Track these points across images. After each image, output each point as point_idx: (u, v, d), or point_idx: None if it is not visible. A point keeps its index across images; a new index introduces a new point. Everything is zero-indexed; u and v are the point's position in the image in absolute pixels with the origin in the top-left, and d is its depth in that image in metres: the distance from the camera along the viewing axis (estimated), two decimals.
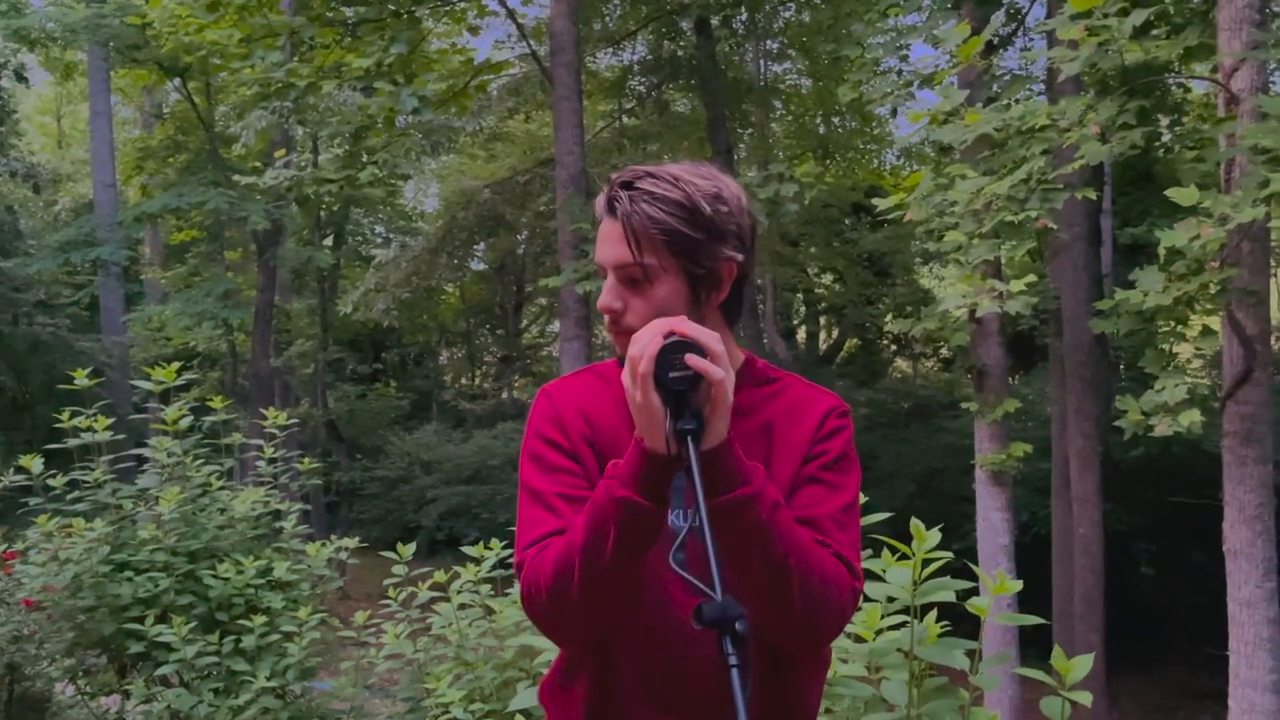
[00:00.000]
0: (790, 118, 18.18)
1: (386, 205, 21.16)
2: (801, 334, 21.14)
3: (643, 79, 13.92)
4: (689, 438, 1.41)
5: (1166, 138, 9.14)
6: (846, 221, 19.41)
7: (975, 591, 2.50)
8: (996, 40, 7.77)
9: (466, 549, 4.83)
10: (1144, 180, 17.50)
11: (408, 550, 4.83)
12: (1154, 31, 6.41)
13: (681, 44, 13.04)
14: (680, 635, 1.58)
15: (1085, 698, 2.19)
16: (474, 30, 9.96)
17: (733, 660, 1.25)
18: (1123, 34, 5.44)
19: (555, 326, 28.80)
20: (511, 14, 10.56)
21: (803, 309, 20.59)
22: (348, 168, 9.55)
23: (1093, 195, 6.06)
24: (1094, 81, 6.90)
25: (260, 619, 5.03)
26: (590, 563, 1.48)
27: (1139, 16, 5.41)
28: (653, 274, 1.56)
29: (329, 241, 20.38)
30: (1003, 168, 5.82)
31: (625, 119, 14.27)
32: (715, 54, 13.11)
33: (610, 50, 14.02)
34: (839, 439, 1.70)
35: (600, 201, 1.61)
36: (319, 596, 5.64)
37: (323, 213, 18.13)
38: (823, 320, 21.17)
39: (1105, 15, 5.52)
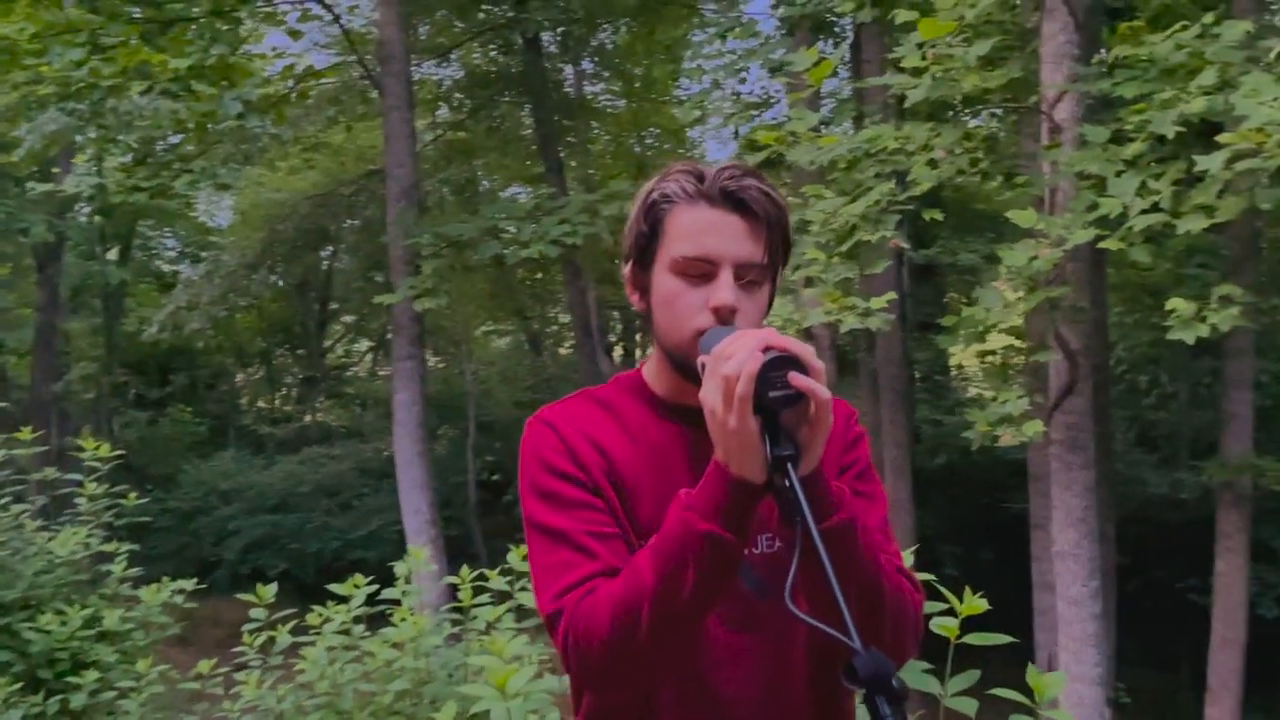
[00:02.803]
0: (607, 137, 18.30)
1: (182, 219, 19.83)
2: (619, 351, 21.29)
3: (471, 93, 13.64)
4: (789, 464, 1.29)
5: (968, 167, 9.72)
6: None
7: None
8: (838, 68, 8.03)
9: (334, 587, 4.49)
10: (932, 204, 18.61)
11: (267, 592, 4.45)
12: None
13: (514, 59, 12.87)
14: (723, 674, 1.48)
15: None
16: (295, 34, 9.45)
17: None
18: (966, 63, 5.70)
19: (361, 345, 27.82)
20: (338, 19, 10.09)
21: (619, 326, 20.75)
22: (154, 177, 8.84)
23: (939, 216, 6.33)
24: (926, 108, 7.23)
25: (91, 675, 4.53)
26: (664, 605, 1.34)
27: (982, 47, 5.69)
28: (765, 277, 1.48)
29: (113, 255, 18.91)
30: (857, 188, 5.98)
31: (454, 132, 13.93)
32: (545, 70, 13.02)
33: (436, 60, 13.68)
34: (864, 445, 1.66)
35: (712, 189, 1.46)
36: (153, 645, 5.14)
37: (105, 225, 16.82)
38: (638, 338, 21.40)
39: (950, 44, 5.78)
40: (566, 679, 3.49)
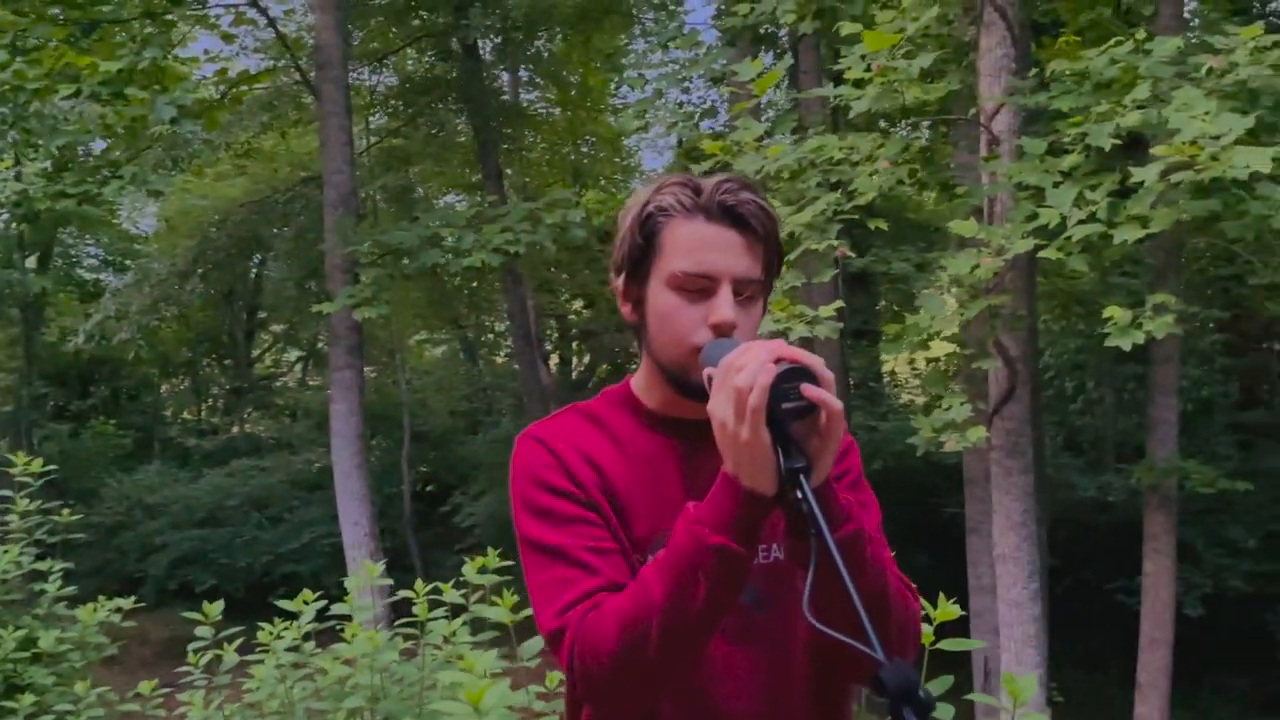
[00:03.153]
0: (543, 145, 18.26)
1: (106, 226, 19.28)
2: (555, 360, 21.22)
3: (408, 99, 13.47)
4: (801, 476, 1.28)
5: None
6: (598, 249, 19.68)
7: None
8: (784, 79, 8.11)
9: (282, 603, 4.38)
10: (866, 214, 18.90)
11: (214, 609, 4.33)
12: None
13: (452, 66, 12.74)
14: (723, 689, 1.48)
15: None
16: (229, 38, 9.25)
17: None
18: (910, 75, 5.80)
19: (291, 355, 27.29)
20: (273, 23, 9.88)
21: (555, 335, 20.68)
22: (81, 183, 8.56)
23: (884, 225, 6.42)
24: (863, 119, 7.34)
25: (27, 699, 4.38)
26: (674, 620, 1.33)
27: (926, 59, 5.79)
28: (761, 291, 1.50)
29: (32, 263, 18.30)
30: (801, 198, 6.04)
31: (391, 138, 13.74)
32: (484, 78, 12.92)
33: (372, 67, 13.50)
34: (855, 454, 1.69)
35: (710, 203, 1.46)
36: (89, 666, 4.98)
37: (25, 232, 16.27)
38: (574, 345, 21.35)
39: (894, 56, 5.87)
40: (533, 690, 3.44)
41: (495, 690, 2.50)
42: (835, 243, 5.70)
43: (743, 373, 1.27)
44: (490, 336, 21.84)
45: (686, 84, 8.18)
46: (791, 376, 1.27)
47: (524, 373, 13.95)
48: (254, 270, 21.31)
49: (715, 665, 1.48)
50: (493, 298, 17.79)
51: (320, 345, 24.36)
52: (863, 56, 5.93)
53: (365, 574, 4.61)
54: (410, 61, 15.78)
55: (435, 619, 4.18)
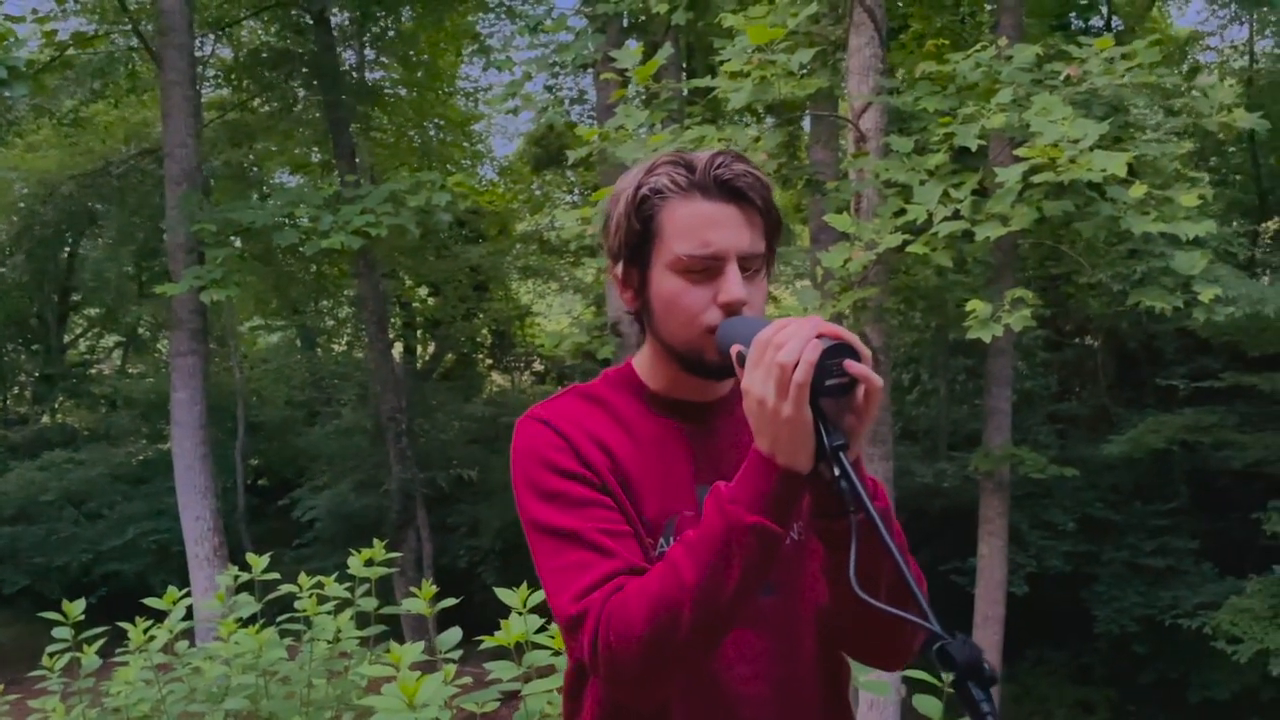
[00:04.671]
0: (389, 127, 17.75)
1: None
2: (398, 348, 20.70)
3: (254, 73, 12.77)
4: (840, 453, 1.27)
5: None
6: (444, 235, 19.31)
7: None
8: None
9: (151, 601, 4.09)
10: None
11: (74, 609, 4.00)
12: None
13: (303, 39, 12.15)
14: (735, 673, 1.46)
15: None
16: None
17: (986, 709, 1.12)
18: (789, 69, 5.91)
19: (108, 341, 25.58)
20: None
21: (399, 324, 20.16)
22: None
23: None
24: (731, 113, 7.42)
25: None
26: (706, 600, 1.29)
27: (805, 55, 5.91)
28: (764, 264, 1.46)
29: None
30: None
31: (236, 112, 12.99)
32: (337, 54, 12.40)
33: (215, 37, 12.73)
34: None
35: (705, 179, 1.41)
36: None
37: None
38: (419, 334, 20.86)
39: (773, 51, 5.96)
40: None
41: (430, 684, 2.40)
42: None
43: (785, 349, 1.24)
44: (331, 323, 21.08)
45: (558, 69, 8.09)
46: (836, 353, 1.24)
47: (377, 361, 13.51)
48: (67, 250, 19.87)
49: (726, 649, 1.46)
50: (337, 283, 17.16)
51: (142, 331, 22.94)
52: (746, 49, 5.99)
53: (206, 574, 4.37)
54: (245, 33, 15.04)
55: (323, 614, 3.99)
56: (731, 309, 1.40)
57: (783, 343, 1.25)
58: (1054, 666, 13.94)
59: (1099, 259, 10.11)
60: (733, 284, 1.40)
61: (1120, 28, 15.62)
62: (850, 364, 1.25)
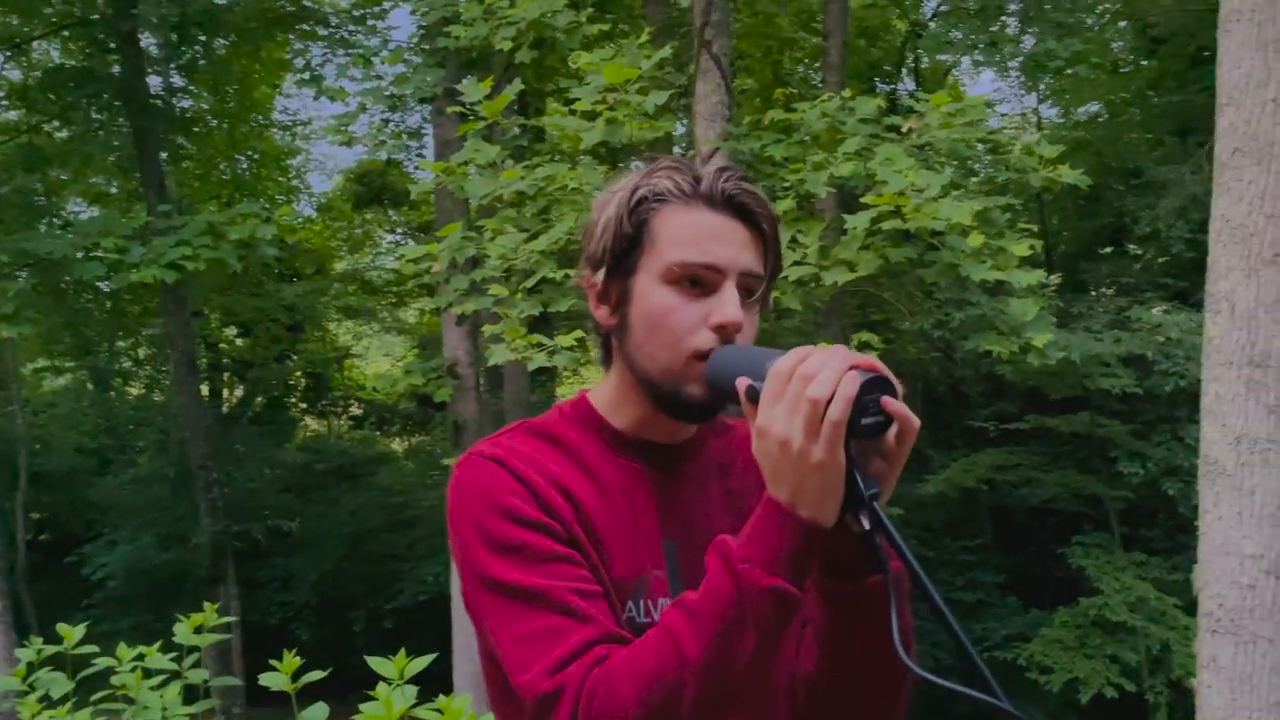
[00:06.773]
0: (198, 157, 16.80)
1: None
2: (205, 390, 19.49)
3: (52, 93, 11.71)
4: (874, 504, 1.12)
5: None
6: (259, 272, 18.41)
7: None
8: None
9: None
10: None
11: None
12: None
13: (110, 60, 11.23)
14: None
15: None
16: None
17: None
18: (645, 110, 5.87)
19: None
20: None
21: (205, 364, 19.01)
22: None
23: None
24: (574, 152, 7.36)
25: None
26: (714, 674, 1.12)
27: (660, 96, 5.88)
28: (761, 297, 1.30)
29: None
30: (533, 224, 5.92)
31: (31, 135, 11.87)
32: (147, 79, 11.56)
33: (4, 55, 11.61)
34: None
35: (712, 190, 1.26)
36: None
37: None
38: (225, 376, 19.73)
39: (627, 92, 5.92)
40: None
41: None
42: (572, 273, 5.61)
43: (816, 381, 1.07)
44: (128, 364, 19.62)
45: (395, 101, 7.80)
46: (873, 387, 1.09)
47: (185, 405, 12.58)
48: None
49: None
50: (139, 321, 15.99)
51: None
52: (599, 89, 5.92)
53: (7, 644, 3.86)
54: (37, 53, 13.91)
55: (146, 690, 3.54)
56: (726, 333, 1.24)
57: (812, 374, 1.08)
58: None
59: (917, 306, 10.58)
60: (729, 304, 1.24)
61: (918, 92, 16.60)
62: (888, 401, 1.11)
